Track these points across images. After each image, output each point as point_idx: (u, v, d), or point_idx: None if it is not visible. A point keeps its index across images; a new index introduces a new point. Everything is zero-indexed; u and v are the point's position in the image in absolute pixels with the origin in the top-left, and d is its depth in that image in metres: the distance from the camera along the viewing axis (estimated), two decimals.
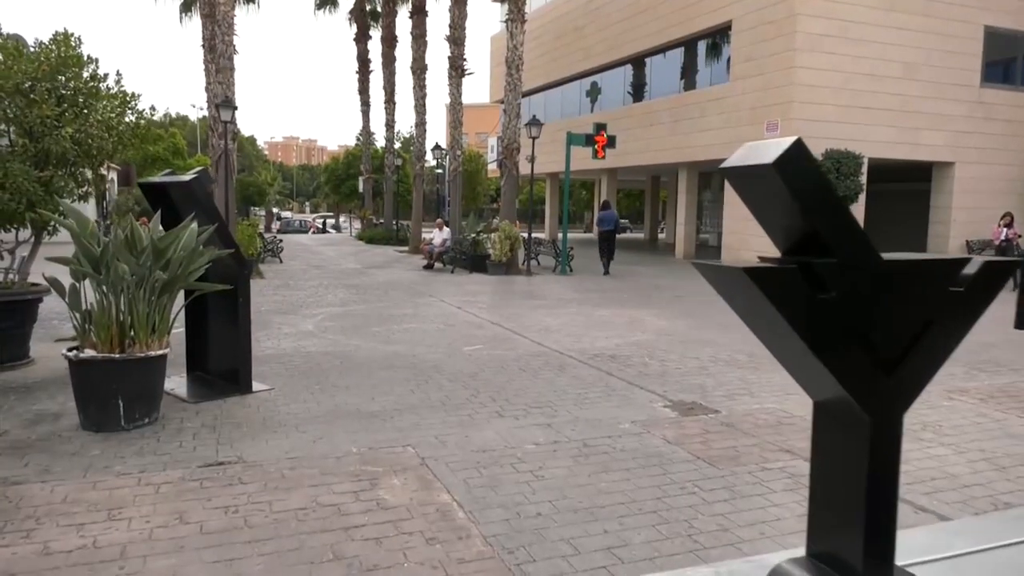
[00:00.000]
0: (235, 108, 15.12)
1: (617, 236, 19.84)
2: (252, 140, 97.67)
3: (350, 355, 8.07)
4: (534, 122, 17.62)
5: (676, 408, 6.12)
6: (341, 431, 5.35)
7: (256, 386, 6.51)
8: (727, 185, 21.33)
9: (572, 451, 4.97)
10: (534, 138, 17.73)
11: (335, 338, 9.10)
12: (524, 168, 19.39)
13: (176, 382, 6.62)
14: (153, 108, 8.00)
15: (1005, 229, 15.52)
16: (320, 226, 38.47)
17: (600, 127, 18.23)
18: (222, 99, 15.06)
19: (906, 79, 19.67)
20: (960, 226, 21.17)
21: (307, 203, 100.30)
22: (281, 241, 21.19)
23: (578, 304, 12.67)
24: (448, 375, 7.18)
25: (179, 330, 6.54)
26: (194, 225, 5.40)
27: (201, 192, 5.82)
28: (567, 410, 5.99)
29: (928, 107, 20.07)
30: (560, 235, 20.17)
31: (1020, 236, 15.90)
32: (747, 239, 20.38)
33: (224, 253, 5.80)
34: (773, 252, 1.53)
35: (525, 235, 18.80)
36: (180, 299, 6.06)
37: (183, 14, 28.97)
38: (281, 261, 20.48)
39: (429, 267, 19.20)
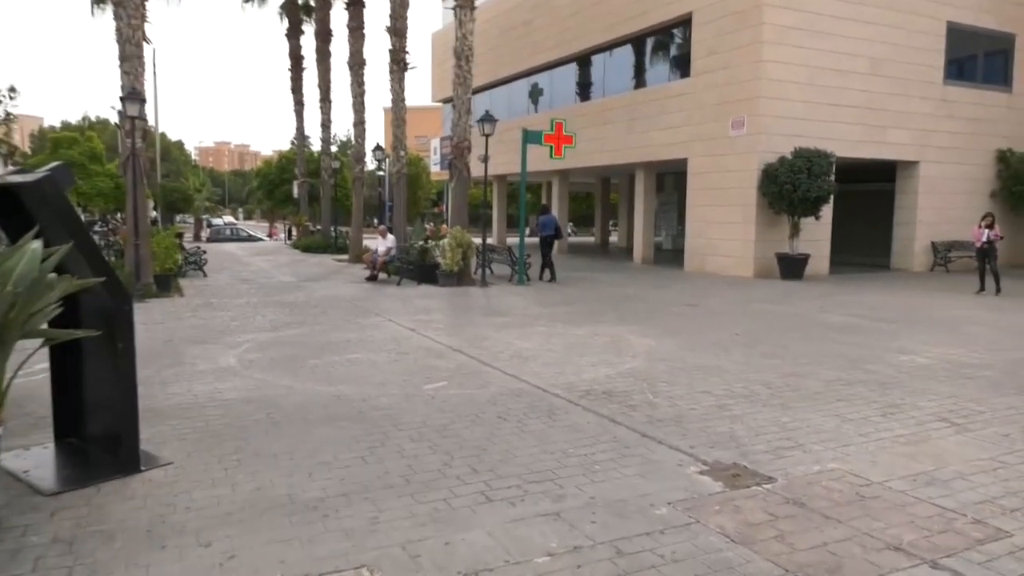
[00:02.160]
0: (143, 101, 13.10)
1: (556, 241, 18.48)
2: (179, 145, 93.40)
3: (280, 403, 6.35)
4: (487, 118, 16.07)
5: (716, 474, 4.65)
6: (264, 541, 3.68)
7: (148, 460, 4.76)
8: (690, 187, 20.23)
9: (604, 568, 3.42)
10: (487, 136, 16.18)
11: (262, 377, 7.34)
12: (475, 170, 17.83)
13: (36, 458, 4.83)
14: (13, 90, 6.11)
15: (987, 230, 14.71)
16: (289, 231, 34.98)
17: (559, 125, 16.80)
18: (128, 90, 13.02)
19: (872, 75, 18.86)
20: (925, 227, 20.53)
21: (240, 210, 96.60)
22: (205, 253, 19.06)
23: (547, 321, 11.15)
24: (409, 430, 5.55)
25: (43, 375, 4.75)
26: (36, 244, 3.64)
27: (55, 196, 4.05)
28: (577, 485, 4.45)
29: (894, 104, 19.33)
30: (513, 241, 18.65)
31: (1002, 238, 15.12)
32: (714, 243, 19.26)
33: (92, 283, 4.05)
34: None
35: (477, 242, 17.23)
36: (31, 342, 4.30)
37: (95, 5, 26.39)
38: (205, 274, 18.37)
39: (373, 278, 17.43)
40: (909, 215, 20.65)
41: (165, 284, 14.53)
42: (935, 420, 5.89)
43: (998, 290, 14.81)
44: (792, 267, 17.55)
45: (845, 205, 19.47)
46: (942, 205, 20.60)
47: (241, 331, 10.09)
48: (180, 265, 17.06)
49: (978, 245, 15.16)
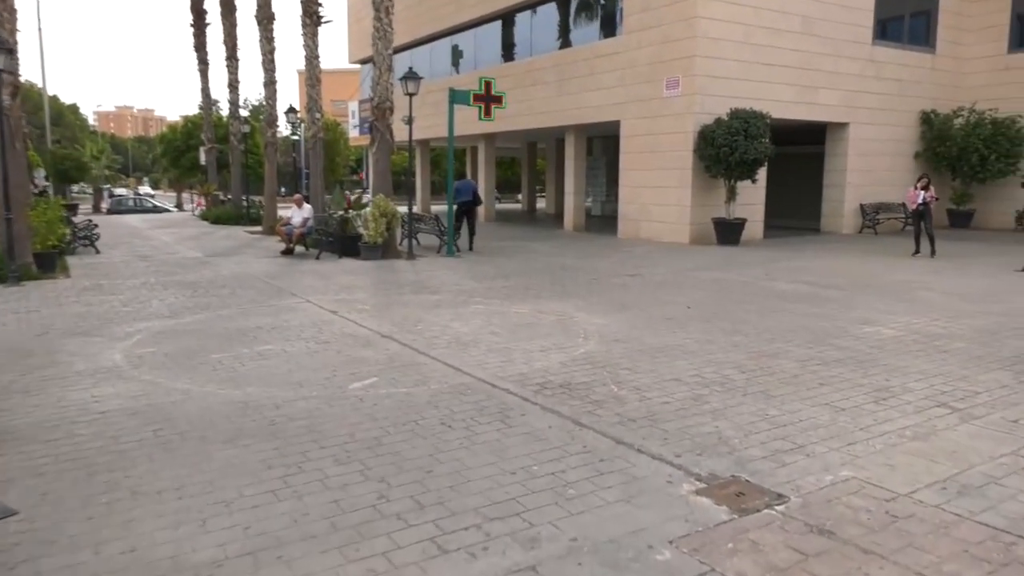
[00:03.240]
0: (10, 51, 11.25)
1: (477, 208, 17.59)
2: (74, 109, 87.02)
3: (173, 414, 5.19)
4: (411, 76, 14.76)
5: (716, 493, 3.82)
6: None
7: None
8: (623, 149, 19.48)
9: None
10: (411, 95, 14.90)
11: (153, 379, 6.12)
12: (398, 134, 16.54)
13: None
14: None
15: (922, 192, 14.52)
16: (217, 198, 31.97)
17: (487, 84, 15.65)
18: None
19: (805, 34, 18.42)
20: (854, 189, 20.47)
21: (145, 179, 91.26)
22: (97, 227, 17.12)
23: (484, 298, 10.18)
24: (334, 448, 4.51)
25: None
26: None
27: None
28: (551, 521, 3.53)
29: (825, 64, 18.99)
30: (439, 210, 17.49)
31: (937, 199, 14.98)
32: (648, 208, 18.62)
33: None
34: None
35: (402, 210, 16.03)
36: None
37: None
38: (98, 251, 16.51)
39: (288, 252, 16.02)
40: (839, 177, 20.54)
41: (48, 264, 12.79)
42: (933, 405, 5.26)
43: (933, 252, 14.69)
44: (729, 232, 17.10)
45: (775, 168, 19.12)
46: (869, 167, 20.57)
47: (133, 319, 8.71)
48: (68, 241, 15.24)
49: (913, 207, 14.98)
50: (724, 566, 3.10)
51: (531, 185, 35.85)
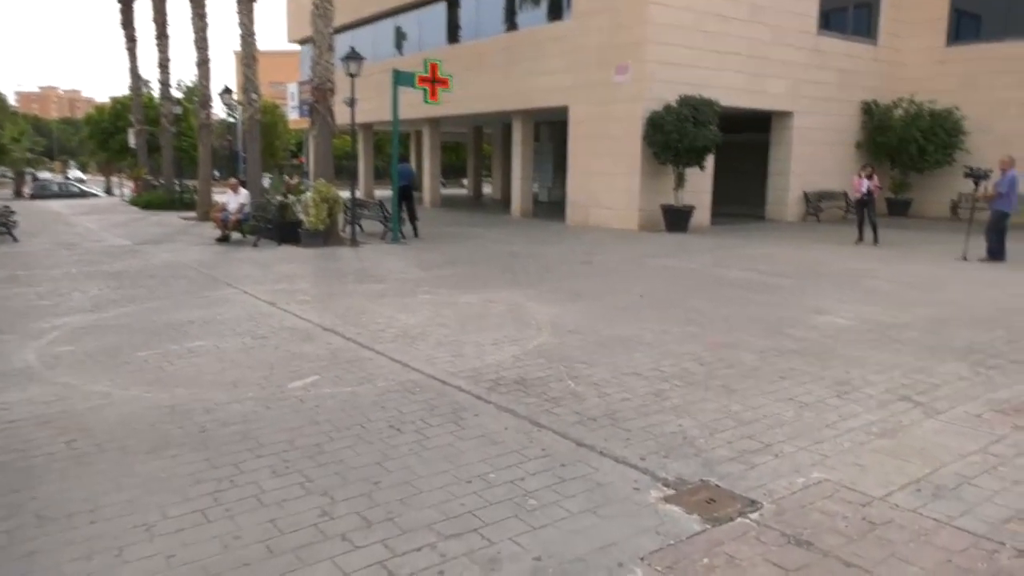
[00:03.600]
0: None
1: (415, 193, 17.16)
2: None
3: (90, 422, 4.70)
4: (353, 55, 14.18)
5: (686, 500, 3.58)
6: None
7: None
8: (571, 135, 19.24)
9: None
10: (353, 76, 14.32)
11: (69, 381, 5.59)
12: (339, 116, 15.94)
13: None
14: None
15: (866, 181, 14.70)
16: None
17: (433, 66, 15.16)
18: None
19: (753, 22, 18.46)
20: (798, 177, 20.70)
21: (72, 162, 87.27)
22: (14, 213, 16.05)
23: (431, 287, 9.81)
24: (271, 457, 4.12)
25: None
26: None
27: None
28: (512, 537, 3.24)
29: (772, 53, 19.09)
30: (383, 195, 16.95)
31: (881, 188, 15.20)
32: (597, 195, 18.46)
33: None
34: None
35: (344, 196, 15.47)
36: None
37: None
38: (15, 239, 15.49)
39: (224, 239, 15.30)
40: (783, 166, 20.74)
41: None
42: (896, 399, 5.15)
43: (876, 240, 14.90)
44: (677, 219, 17.06)
45: (722, 156, 19.16)
46: (813, 155, 20.83)
47: (51, 313, 8.06)
48: None
49: (857, 195, 15.16)
50: None
51: (477, 170, 35.42)
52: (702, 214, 18.31)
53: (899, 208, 22.01)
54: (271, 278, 10.58)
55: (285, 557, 3.06)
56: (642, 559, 3.05)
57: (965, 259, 12.48)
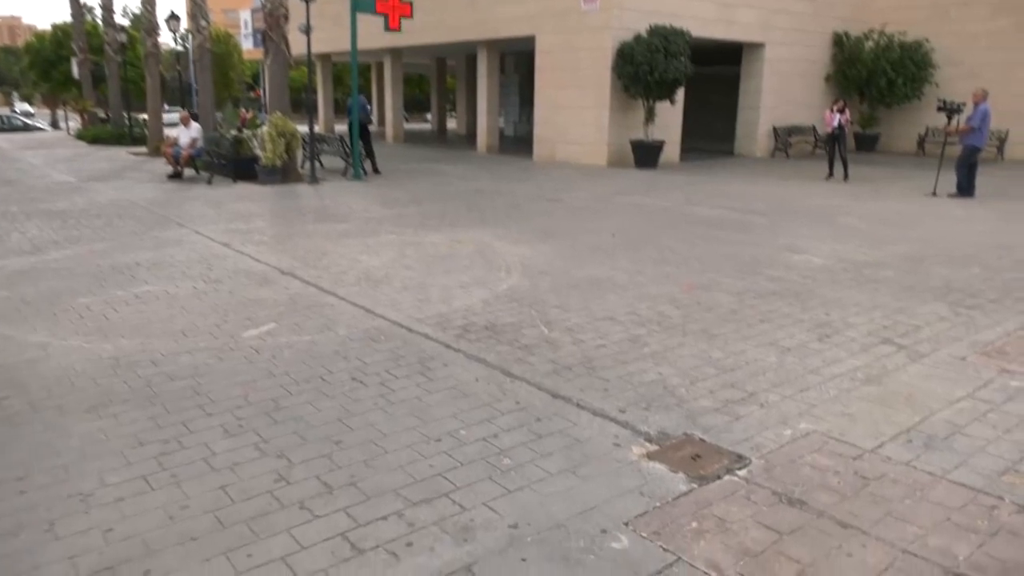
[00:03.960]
0: None
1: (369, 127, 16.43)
2: None
3: (24, 378, 4.32)
4: None
5: (670, 456, 3.38)
6: None
7: None
8: (538, 66, 18.58)
9: None
10: (308, 1, 13.47)
11: (3, 331, 5.16)
12: (295, 47, 15.08)
13: None
14: None
15: (838, 115, 14.45)
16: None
17: None
18: None
19: None
20: (768, 111, 20.40)
21: (14, 94, 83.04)
22: None
23: (395, 225, 9.41)
24: (223, 414, 3.81)
25: None
26: None
27: None
28: (485, 502, 3.00)
29: None
30: (343, 130, 16.20)
31: (853, 123, 14.98)
32: (564, 129, 17.96)
33: None
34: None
35: (302, 130, 14.77)
36: None
37: None
38: None
39: (176, 176, 14.58)
40: (753, 100, 20.39)
41: None
42: (878, 343, 4.99)
43: (846, 176, 14.77)
44: (647, 155, 16.71)
45: (690, 90, 18.72)
46: (783, 89, 20.50)
47: None
48: None
49: (828, 130, 14.94)
50: (691, 553, 2.65)
51: (441, 104, 34.42)
52: (672, 150, 17.98)
53: (867, 143, 21.90)
54: (225, 217, 10.05)
55: (236, 529, 2.79)
56: (627, 524, 2.83)
57: (935, 195, 12.40)
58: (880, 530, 2.81)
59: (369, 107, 16.51)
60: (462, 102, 31.81)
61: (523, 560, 2.62)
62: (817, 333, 5.19)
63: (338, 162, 15.70)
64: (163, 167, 15.61)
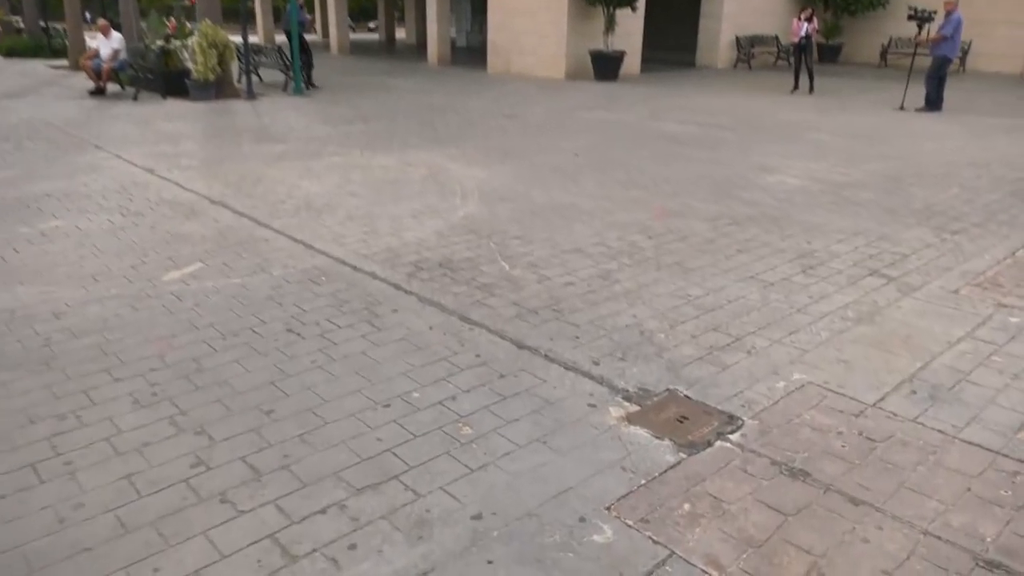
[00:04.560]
0: None
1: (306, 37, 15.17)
2: None
3: None
4: None
5: (652, 420, 2.97)
6: None
7: None
8: None
9: None
10: None
11: None
12: None
13: None
14: None
15: (806, 24, 13.82)
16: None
17: None
18: None
19: None
20: (730, 20, 19.60)
21: None
22: None
23: (340, 146, 8.67)
24: (134, 380, 3.26)
25: None
26: None
27: None
28: (443, 484, 2.55)
29: None
30: (283, 41, 14.98)
31: (819, 32, 14.37)
32: (520, 39, 16.99)
33: None
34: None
35: (236, 41, 13.59)
36: None
37: None
38: None
39: (99, 92, 13.34)
40: (715, 7, 19.54)
41: None
42: (866, 274, 4.62)
43: (812, 88, 14.28)
44: (607, 67, 15.92)
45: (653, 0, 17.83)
46: None
47: None
48: None
49: (795, 40, 14.32)
50: (686, 545, 2.26)
51: (389, 12, 32.55)
52: (632, 61, 17.19)
53: (830, 54, 21.33)
54: (151, 138, 9.15)
55: (142, 535, 2.30)
56: (608, 509, 2.43)
57: (903, 108, 12.03)
58: (895, 506, 2.46)
59: (309, 16, 15.22)
60: (411, 10, 30.09)
61: (489, 563, 2.20)
62: (800, 264, 4.80)
63: (278, 76, 14.58)
64: (85, 82, 14.29)
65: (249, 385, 3.21)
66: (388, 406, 3.05)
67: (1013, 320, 3.95)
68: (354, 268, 4.65)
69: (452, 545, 2.26)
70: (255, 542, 2.27)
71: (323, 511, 2.41)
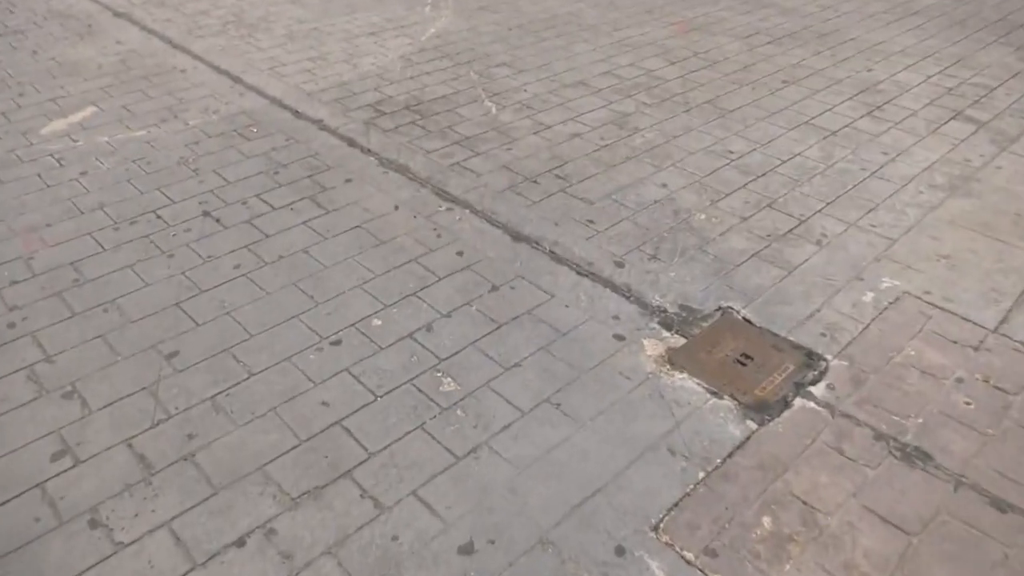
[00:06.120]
0: None
1: None
2: None
3: None
4: None
5: (702, 360, 2.16)
6: None
7: None
8: None
9: None
10: None
11: None
12: None
13: None
14: None
15: None
16: None
17: None
18: None
19: None
20: None
21: None
22: None
23: None
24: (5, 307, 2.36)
25: None
26: None
27: None
28: (415, 487, 1.77)
29: None
30: None
31: None
32: None
33: None
34: None
35: None
36: None
37: None
38: None
39: None
40: None
41: None
42: (948, 116, 3.65)
43: None
44: None
45: None
46: None
47: None
48: None
49: None
50: None
51: None
52: None
53: None
54: None
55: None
56: (656, 530, 1.68)
57: None
58: None
59: None
60: None
61: None
62: (864, 103, 3.78)
63: None
64: None
65: (146, 308, 2.33)
66: (338, 343, 2.21)
67: None
68: (295, 113, 3.58)
69: None
70: (176, 568, 1.52)
71: (240, 543, 1.64)
